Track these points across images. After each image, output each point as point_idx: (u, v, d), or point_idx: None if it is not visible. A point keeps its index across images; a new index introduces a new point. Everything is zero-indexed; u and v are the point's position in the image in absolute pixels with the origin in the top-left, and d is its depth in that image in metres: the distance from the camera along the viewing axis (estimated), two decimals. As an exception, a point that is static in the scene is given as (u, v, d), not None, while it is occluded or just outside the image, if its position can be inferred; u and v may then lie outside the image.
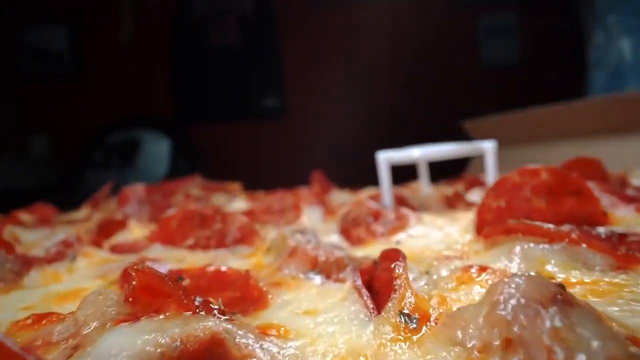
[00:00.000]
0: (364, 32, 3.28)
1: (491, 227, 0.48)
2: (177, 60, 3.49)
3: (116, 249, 0.58)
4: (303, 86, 3.36)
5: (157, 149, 3.82)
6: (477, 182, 0.95)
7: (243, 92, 3.39)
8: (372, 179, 1.47)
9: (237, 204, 0.82)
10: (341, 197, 0.95)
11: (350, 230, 0.61)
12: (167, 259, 0.51)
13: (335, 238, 0.59)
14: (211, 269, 0.43)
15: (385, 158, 0.74)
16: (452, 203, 0.76)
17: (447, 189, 0.95)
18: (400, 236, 0.56)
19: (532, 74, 3.21)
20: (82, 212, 1.01)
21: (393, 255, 0.38)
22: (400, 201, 0.76)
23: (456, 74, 3.19)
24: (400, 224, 0.57)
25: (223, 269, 0.43)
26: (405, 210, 0.61)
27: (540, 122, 1.56)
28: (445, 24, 3.22)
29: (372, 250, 0.51)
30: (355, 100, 3.08)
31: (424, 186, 0.88)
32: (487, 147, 0.75)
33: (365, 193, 0.96)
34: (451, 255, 0.45)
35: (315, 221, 0.70)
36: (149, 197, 0.85)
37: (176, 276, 0.43)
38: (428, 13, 3.21)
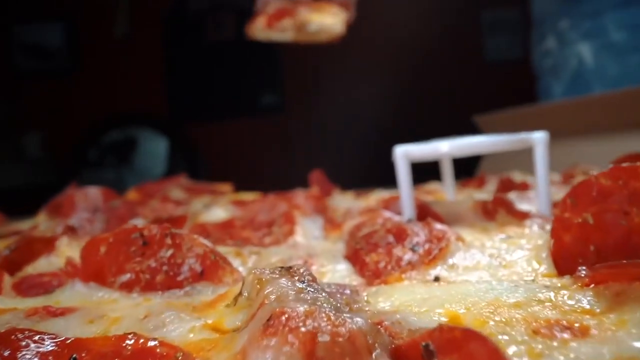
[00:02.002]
0: (365, 26, 3.07)
1: (604, 270, 0.28)
2: (173, 57, 3.28)
3: (21, 286, 0.38)
4: (302, 82, 3.15)
5: (154, 148, 3.61)
6: (512, 185, 0.75)
7: (240, 88, 3.18)
8: (375, 180, 1.27)
9: (216, 211, 0.62)
10: (345, 202, 0.75)
11: (362, 255, 0.41)
12: (82, 309, 0.31)
13: (341, 268, 0.39)
14: (130, 342, 0.24)
15: (405, 153, 0.54)
16: (492, 213, 0.56)
17: (478, 194, 0.76)
18: (440, 269, 0.36)
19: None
20: (37, 220, 0.81)
21: (467, 347, 0.18)
22: (423, 211, 0.56)
23: (460, 70, 2.99)
24: (438, 249, 0.38)
25: (151, 344, 0.24)
26: (439, 227, 0.42)
27: (557, 116, 1.37)
28: (449, 18, 3.02)
29: (400, 295, 0.31)
30: (357, 95, 2.88)
31: (448, 190, 0.68)
32: (537, 138, 0.56)
33: (374, 197, 0.76)
34: (550, 319, 0.25)
35: (314, 238, 0.50)
36: (106, 204, 0.65)
37: (68, 356, 0.24)
38: (431, 9, 3.01)
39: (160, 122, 3.47)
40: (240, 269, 0.39)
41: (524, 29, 3.10)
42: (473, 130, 1.69)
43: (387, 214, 0.49)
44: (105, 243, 0.36)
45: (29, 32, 3.30)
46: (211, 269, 0.35)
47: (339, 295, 0.30)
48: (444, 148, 0.54)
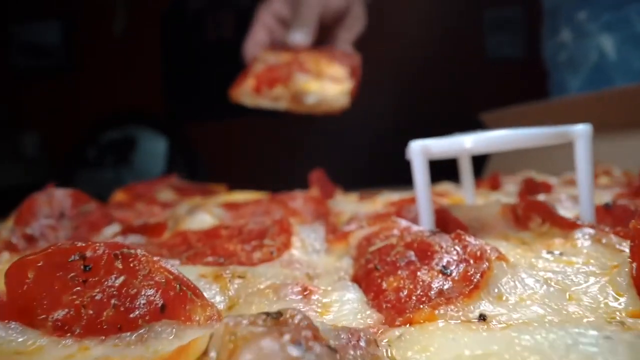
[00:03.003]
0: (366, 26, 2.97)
1: None
2: (172, 56, 3.18)
3: None
4: (301, 81, 3.06)
5: (153, 147, 3.51)
6: (537, 186, 0.65)
7: (239, 87, 3.08)
8: (376, 180, 1.17)
9: (201, 217, 0.53)
10: (349, 206, 0.65)
11: (376, 277, 0.31)
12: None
13: (351, 298, 0.30)
14: None
15: (423, 149, 0.44)
16: (524, 221, 0.46)
17: (496, 196, 0.66)
18: (485, 302, 0.26)
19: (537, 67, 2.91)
20: (6, 225, 0.71)
21: None
22: (442, 217, 0.46)
23: (462, 68, 2.89)
24: (479, 274, 0.28)
25: None
26: (474, 241, 0.32)
27: (573, 112, 1.27)
28: (451, 17, 2.93)
29: (438, 348, 0.21)
30: (359, 93, 2.78)
31: (467, 192, 0.58)
32: (580, 130, 0.46)
33: (381, 200, 0.66)
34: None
35: (314, 251, 0.40)
36: (75, 209, 0.55)
37: None
38: (433, 9, 2.91)
39: (160, 122, 3.37)
40: (218, 299, 0.29)
41: (525, 27, 3.00)
42: (479, 128, 1.59)
43: (404, 222, 0.39)
44: (34, 267, 0.26)
45: (26, 30, 3.20)
46: (176, 303, 0.25)
47: (351, 352, 0.20)
48: (468, 143, 0.45)
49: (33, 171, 3.23)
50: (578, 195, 0.46)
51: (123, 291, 0.26)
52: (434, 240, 0.32)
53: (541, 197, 0.59)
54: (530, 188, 0.64)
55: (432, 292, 0.28)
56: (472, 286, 0.26)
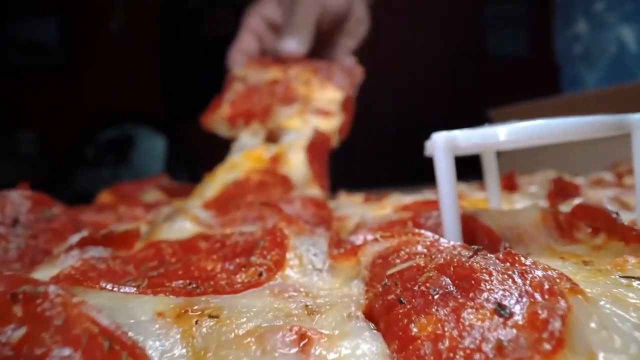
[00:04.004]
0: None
1: None
2: (170, 54, 3.09)
3: None
4: (301, 79, 2.97)
5: (152, 146, 3.42)
6: (568, 188, 0.56)
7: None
8: (376, 181, 1.07)
9: (180, 224, 0.43)
10: (354, 209, 0.56)
11: (400, 320, 0.22)
12: None
13: (367, 350, 0.20)
14: None
15: (448, 142, 0.35)
16: (569, 231, 0.37)
17: (527, 199, 0.57)
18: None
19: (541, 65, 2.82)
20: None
21: None
22: (470, 227, 0.37)
23: (466, 66, 2.80)
24: (559, 321, 0.19)
25: None
26: (538, 270, 0.22)
27: (590, 107, 1.18)
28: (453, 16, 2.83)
29: None
30: (359, 89, 2.68)
31: (492, 194, 0.49)
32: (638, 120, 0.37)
33: (391, 203, 0.56)
34: None
35: (314, 271, 0.31)
36: (34, 214, 0.46)
37: None
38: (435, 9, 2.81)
39: (158, 120, 3.28)
40: (177, 352, 0.20)
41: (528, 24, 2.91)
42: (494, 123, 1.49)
43: (429, 234, 0.30)
44: None
45: (23, 27, 3.10)
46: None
47: None
48: (502, 135, 0.35)
49: (31, 170, 3.14)
50: (636, 199, 0.37)
51: (24, 350, 0.16)
52: (478, 265, 0.23)
53: (577, 201, 0.50)
54: (562, 190, 0.55)
55: (488, 346, 0.18)
56: (552, 342, 0.17)
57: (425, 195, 0.64)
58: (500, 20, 2.84)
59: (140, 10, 3.09)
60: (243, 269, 0.30)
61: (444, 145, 0.34)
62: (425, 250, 0.28)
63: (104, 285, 0.25)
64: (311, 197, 0.56)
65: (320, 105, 0.71)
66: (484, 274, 0.22)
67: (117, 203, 0.83)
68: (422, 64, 2.78)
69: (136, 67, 3.11)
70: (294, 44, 0.76)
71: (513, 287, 0.21)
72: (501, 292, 0.21)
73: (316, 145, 0.65)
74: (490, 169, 0.48)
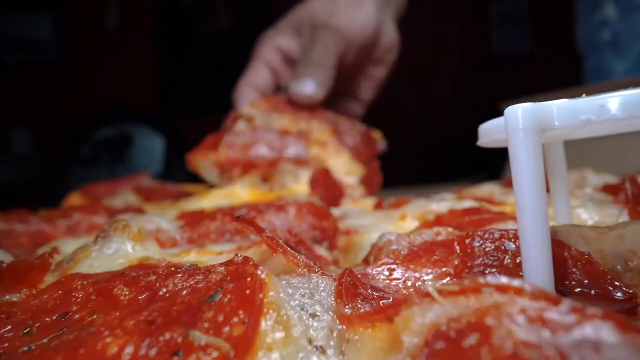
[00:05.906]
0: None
1: None
2: (166, 49, 2.94)
3: None
4: (300, 75, 2.82)
5: (150, 144, 3.28)
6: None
7: (236, 81, 2.84)
8: (387, 182, 0.92)
9: (116, 246, 0.29)
10: (366, 219, 0.41)
11: None
12: None
13: None
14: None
15: (534, 117, 0.21)
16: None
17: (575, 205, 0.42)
18: None
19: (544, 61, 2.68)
20: None
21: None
22: (559, 256, 0.23)
23: (468, 62, 2.66)
24: None
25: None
26: None
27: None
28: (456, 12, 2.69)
29: None
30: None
31: (560, 202, 0.34)
32: None
33: (412, 212, 0.42)
34: None
35: (314, 354, 0.17)
36: None
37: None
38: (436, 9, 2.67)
39: (156, 118, 3.13)
40: None
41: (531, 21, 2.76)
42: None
43: (527, 286, 0.16)
44: None
45: (16, 23, 2.96)
46: None
47: None
48: (614, 107, 0.22)
49: (24, 169, 2.99)
50: None
51: None
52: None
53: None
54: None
55: None
56: None
57: (443, 197, 0.49)
58: (503, 17, 2.70)
59: (136, 6, 2.94)
60: (207, 322, 0.15)
61: (531, 123, 0.19)
62: (524, 322, 0.13)
63: None
64: (308, 202, 0.41)
65: (334, 176, 0.55)
66: None
67: (89, 205, 0.69)
68: (427, 63, 2.65)
69: (132, 63, 2.97)
70: (310, 87, 0.60)
71: None
72: None
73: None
74: (559, 164, 0.33)
